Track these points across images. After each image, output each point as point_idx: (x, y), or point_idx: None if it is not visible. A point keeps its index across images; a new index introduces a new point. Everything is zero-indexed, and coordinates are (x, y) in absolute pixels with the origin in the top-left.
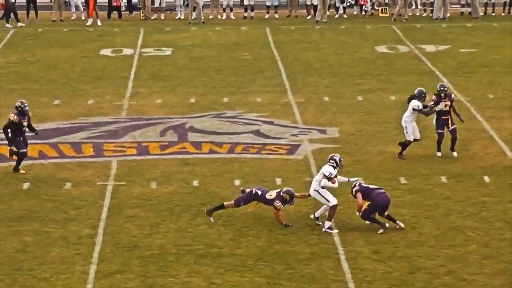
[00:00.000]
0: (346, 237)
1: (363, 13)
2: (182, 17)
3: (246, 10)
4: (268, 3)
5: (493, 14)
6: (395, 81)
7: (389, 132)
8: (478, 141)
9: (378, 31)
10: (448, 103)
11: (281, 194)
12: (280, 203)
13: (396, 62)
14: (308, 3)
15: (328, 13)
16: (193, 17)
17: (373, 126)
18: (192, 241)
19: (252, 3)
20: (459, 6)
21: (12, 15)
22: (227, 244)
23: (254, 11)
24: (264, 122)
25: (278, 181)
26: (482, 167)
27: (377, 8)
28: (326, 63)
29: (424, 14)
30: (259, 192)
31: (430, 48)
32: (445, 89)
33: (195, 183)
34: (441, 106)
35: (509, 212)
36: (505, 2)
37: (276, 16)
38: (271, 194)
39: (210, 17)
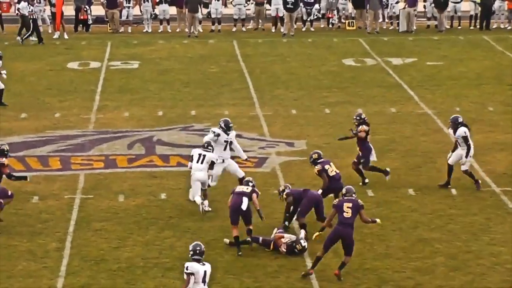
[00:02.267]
0: (314, 250)
1: (330, 26)
2: (150, 30)
3: (213, 23)
4: (235, 16)
5: (459, 27)
6: (361, 94)
7: (356, 145)
8: (445, 153)
9: (345, 44)
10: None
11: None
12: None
13: (363, 75)
14: (274, 15)
15: (295, 26)
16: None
17: None
18: (159, 254)
19: (219, 16)
20: (425, 19)
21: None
22: None
23: (221, 24)
24: None
25: None
26: None
27: (344, 21)
28: (293, 76)
29: (391, 27)
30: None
31: (396, 61)
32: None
33: (163, 196)
34: None
35: (476, 225)
36: (471, 16)
37: (243, 29)
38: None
39: (177, 30)
